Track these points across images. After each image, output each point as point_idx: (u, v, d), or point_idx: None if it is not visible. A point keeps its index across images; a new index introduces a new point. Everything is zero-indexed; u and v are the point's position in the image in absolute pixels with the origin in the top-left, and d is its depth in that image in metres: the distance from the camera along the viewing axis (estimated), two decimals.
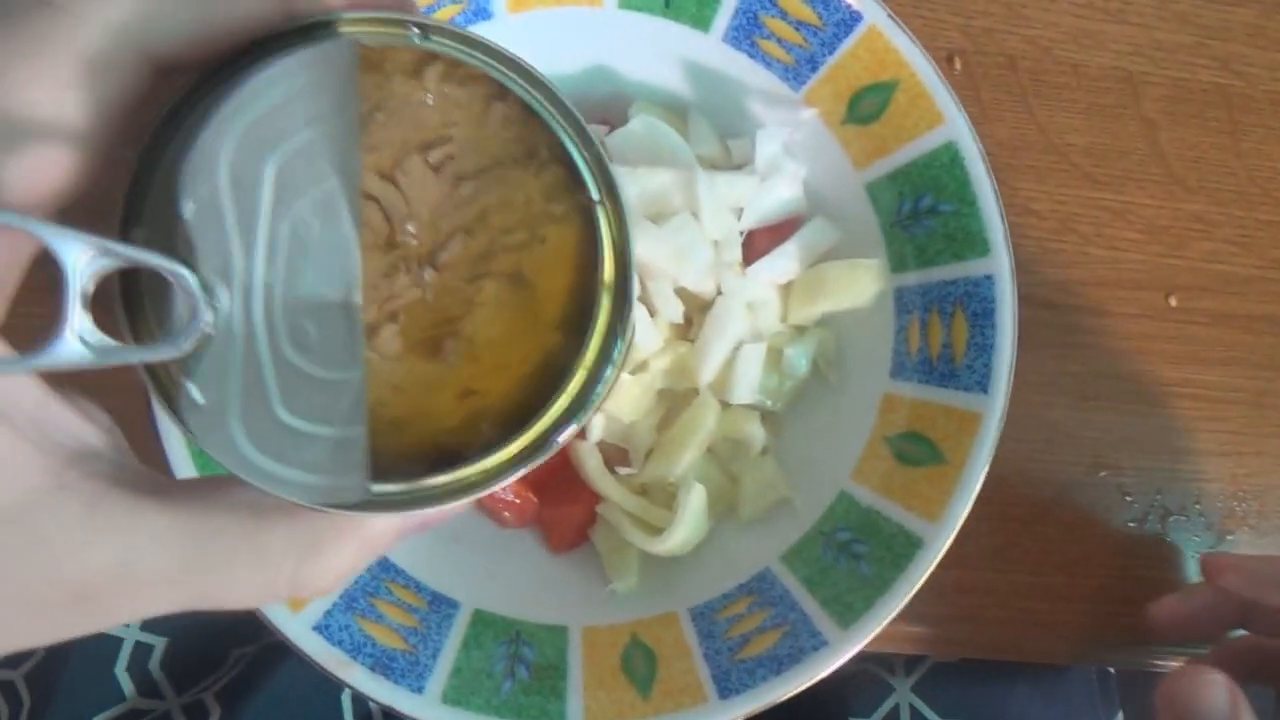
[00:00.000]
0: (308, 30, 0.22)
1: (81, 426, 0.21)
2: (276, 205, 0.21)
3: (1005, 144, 0.52)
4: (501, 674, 0.39)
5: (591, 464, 0.44)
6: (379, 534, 0.24)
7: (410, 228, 0.24)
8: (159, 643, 0.54)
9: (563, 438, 0.24)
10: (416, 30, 0.23)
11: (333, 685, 0.38)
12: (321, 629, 0.38)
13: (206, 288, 0.20)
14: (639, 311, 0.42)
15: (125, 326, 0.21)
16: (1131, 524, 0.50)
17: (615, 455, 0.45)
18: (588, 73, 0.46)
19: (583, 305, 0.24)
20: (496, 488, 0.24)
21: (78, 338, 0.18)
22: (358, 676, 0.38)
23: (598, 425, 0.44)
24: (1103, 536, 0.50)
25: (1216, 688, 0.37)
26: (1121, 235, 0.53)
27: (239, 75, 0.21)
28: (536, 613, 0.42)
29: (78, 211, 0.20)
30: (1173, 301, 0.52)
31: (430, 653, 0.39)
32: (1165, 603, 0.46)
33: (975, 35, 0.53)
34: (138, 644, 0.53)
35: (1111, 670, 0.53)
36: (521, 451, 0.24)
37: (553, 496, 0.44)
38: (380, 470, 0.23)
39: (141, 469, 0.22)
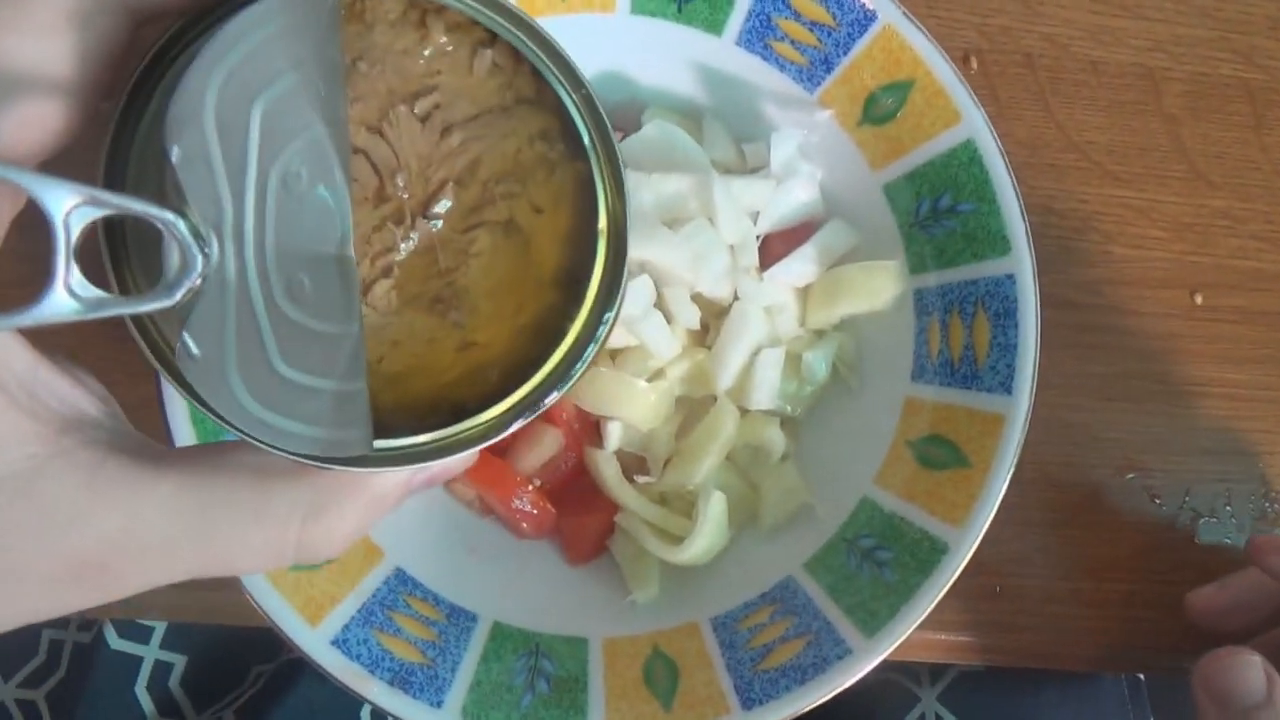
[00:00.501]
0: None
1: (75, 393, 0.20)
2: (264, 152, 0.20)
3: (1024, 143, 0.52)
4: (521, 687, 0.39)
5: (609, 473, 0.43)
6: (385, 493, 0.24)
7: (400, 180, 0.24)
8: (179, 661, 0.54)
9: (562, 390, 0.24)
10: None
11: (352, 700, 0.38)
12: (339, 643, 0.38)
13: (197, 235, 0.19)
14: (656, 318, 0.42)
15: (111, 278, 0.21)
16: (1161, 526, 0.49)
17: (633, 464, 0.44)
18: (600, 79, 0.46)
19: (579, 253, 0.24)
20: (497, 439, 0.24)
21: (67, 290, 0.18)
22: (376, 691, 0.37)
23: (615, 434, 0.43)
24: (1131, 540, 0.49)
25: (1253, 669, 0.37)
26: (1145, 233, 0.52)
27: (217, 21, 0.21)
28: (556, 624, 0.41)
29: (58, 164, 0.20)
30: (1199, 299, 0.52)
31: (449, 666, 0.39)
32: (1203, 592, 0.46)
33: (991, 34, 0.53)
34: (158, 662, 0.53)
35: (1142, 676, 0.52)
36: (520, 402, 0.24)
37: (571, 506, 0.44)
38: (384, 426, 0.22)
39: (140, 436, 0.21)
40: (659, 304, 0.43)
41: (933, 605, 0.38)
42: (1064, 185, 0.52)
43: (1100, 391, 0.50)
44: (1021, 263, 0.40)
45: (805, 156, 0.45)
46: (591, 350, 0.24)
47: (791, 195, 0.44)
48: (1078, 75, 0.53)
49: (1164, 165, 0.53)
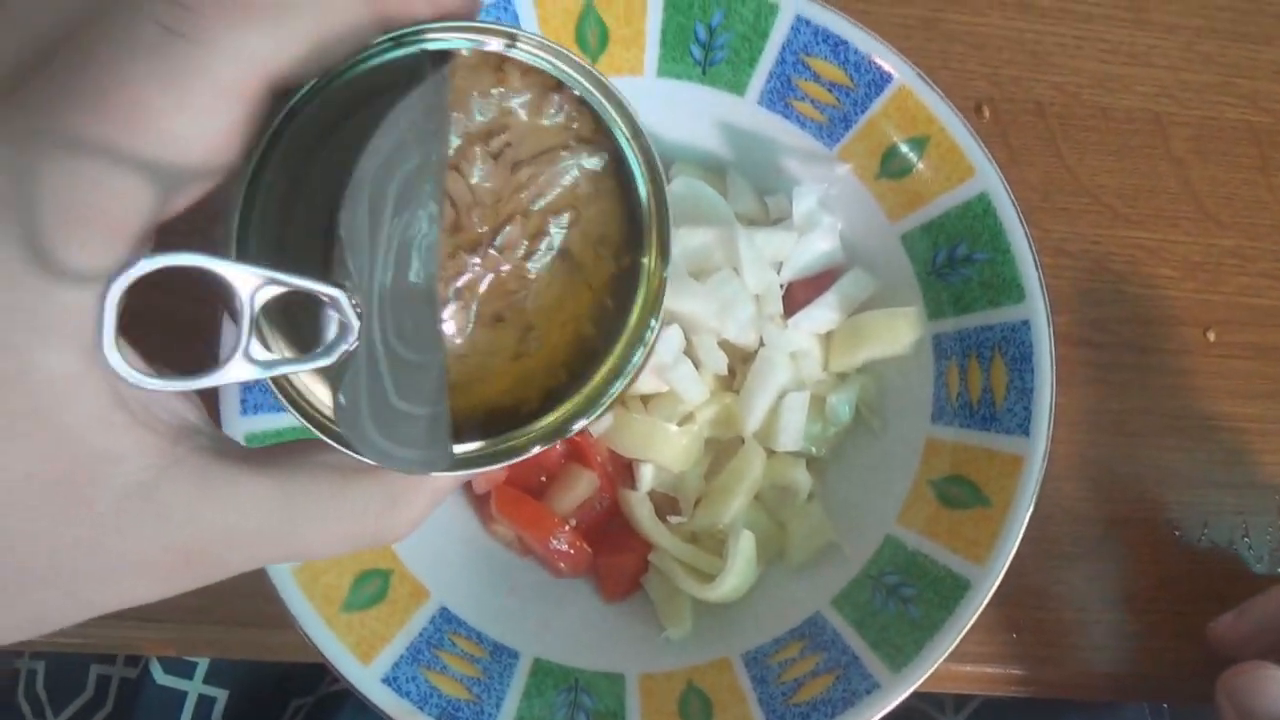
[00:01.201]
0: (398, 41, 0.23)
1: (182, 405, 0.22)
2: (394, 215, 0.22)
3: (1036, 188, 0.54)
4: None
5: (643, 513, 0.45)
6: (444, 486, 0.27)
7: (475, 215, 0.26)
8: (221, 695, 0.55)
9: (611, 394, 0.27)
10: (504, 40, 0.24)
11: None
12: (390, 681, 0.39)
13: (355, 305, 0.21)
14: (685, 364, 0.44)
15: (272, 341, 0.23)
16: (1179, 559, 0.50)
17: (666, 504, 0.46)
18: None
19: (626, 278, 0.27)
20: (556, 443, 0.26)
21: (245, 356, 0.20)
22: None
23: (648, 475, 0.45)
24: (1151, 572, 0.50)
25: (1277, 683, 0.38)
26: (1156, 272, 0.54)
27: (339, 91, 0.23)
28: (594, 661, 0.43)
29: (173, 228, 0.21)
30: (1211, 336, 0.53)
31: (494, 702, 0.40)
32: (1223, 620, 0.46)
33: (1002, 84, 0.55)
34: (201, 696, 0.55)
35: (1165, 706, 0.52)
36: (577, 407, 0.27)
37: (606, 546, 0.45)
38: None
39: (230, 439, 0.24)
40: (688, 351, 0.45)
41: (957, 641, 0.40)
42: (1076, 228, 0.53)
43: (1117, 427, 0.51)
44: (1036, 309, 0.42)
45: (826, 209, 0.47)
46: (635, 363, 0.27)
47: (813, 246, 0.46)
48: (1087, 121, 0.55)
49: (1173, 207, 0.54)
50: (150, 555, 0.21)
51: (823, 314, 0.45)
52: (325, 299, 0.21)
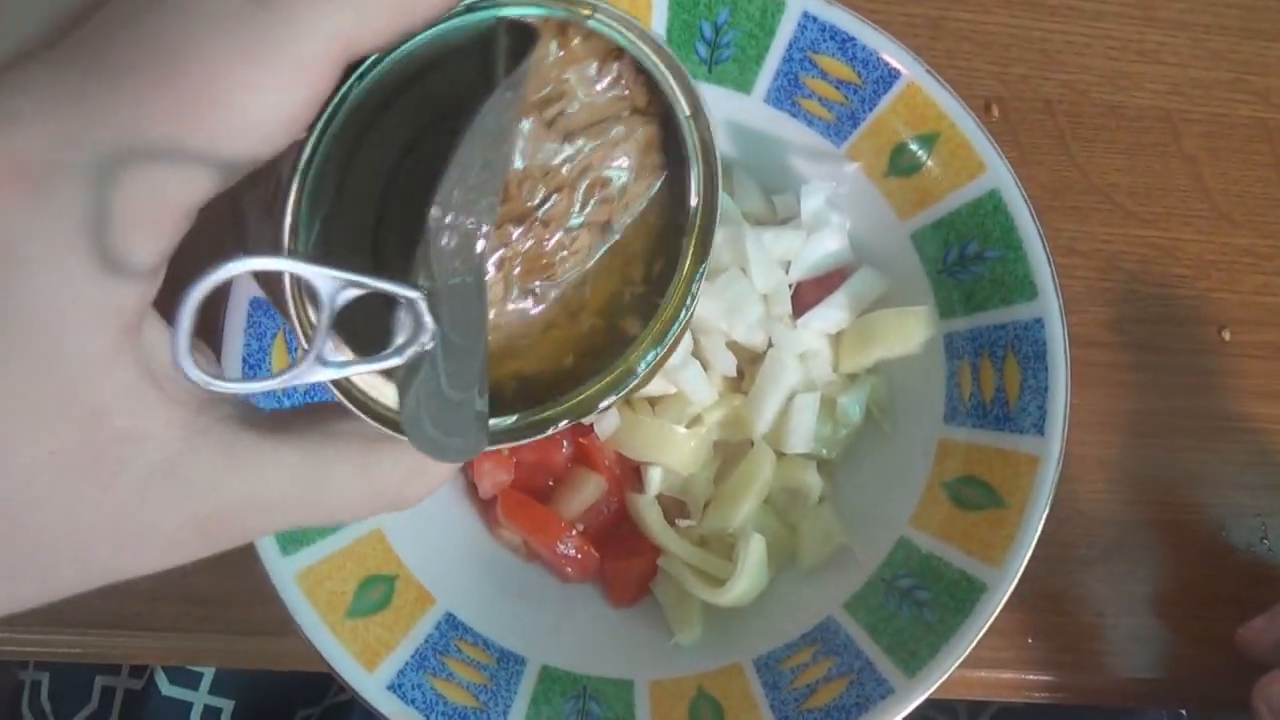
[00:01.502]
0: (470, 7, 0.22)
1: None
2: (462, 210, 0.21)
3: (1046, 186, 0.53)
4: None
5: (651, 517, 0.44)
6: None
7: (526, 187, 0.25)
8: (227, 705, 0.55)
9: (646, 366, 0.26)
10: (585, 10, 0.23)
11: None
12: (395, 688, 0.39)
13: (431, 305, 0.21)
14: (693, 366, 0.44)
15: (331, 340, 0.22)
16: (1197, 562, 0.49)
17: (674, 508, 0.45)
18: None
19: (667, 256, 0.27)
20: (589, 417, 0.26)
21: (318, 358, 0.20)
22: None
23: (656, 479, 0.45)
24: (1168, 576, 0.49)
25: None
26: (1169, 272, 0.53)
27: (400, 60, 0.21)
28: (602, 667, 0.42)
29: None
30: (1226, 335, 0.52)
31: (501, 710, 0.40)
32: (1254, 625, 0.46)
33: (1011, 82, 0.54)
34: (207, 707, 0.54)
35: (1184, 712, 0.52)
36: (610, 383, 0.26)
37: (614, 550, 0.45)
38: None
39: (253, 407, 0.23)
40: (696, 352, 0.44)
41: (973, 644, 0.39)
42: (1087, 227, 0.53)
43: (1132, 429, 0.51)
44: (1049, 307, 0.42)
45: (834, 207, 0.46)
46: (672, 335, 0.27)
47: (821, 245, 0.46)
48: (1097, 120, 0.54)
49: (1186, 205, 0.54)
50: (171, 526, 0.21)
51: (832, 314, 0.45)
52: (402, 300, 0.20)
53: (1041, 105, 0.54)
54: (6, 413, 0.18)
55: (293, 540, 0.39)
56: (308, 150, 0.21)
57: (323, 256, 0.22)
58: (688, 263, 0.26)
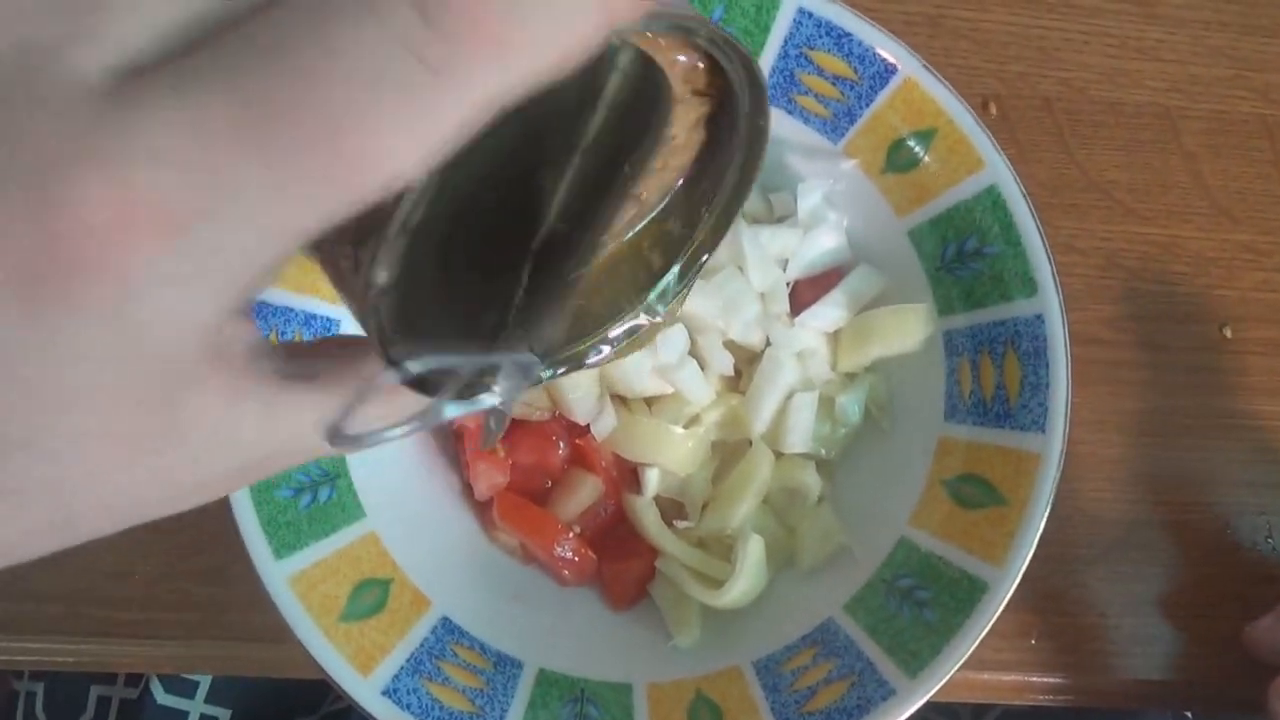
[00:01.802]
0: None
1: (247, 328, 0.21)
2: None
3: (1045, 184, 0.53)
4: None
5: (649, 519, 0.44)
6: None
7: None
8: (224, 715, 0.54)
9: (665, 307, 0.28)
10: (704, 38, 0.23)
11: None
12: (390, 693, 0.38)
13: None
14: (690, 365, 0.43)
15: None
16: (1200, 561, 0.49)
17: (672, 509, 0.45)
18: None
19: (683, 224, 0.28)
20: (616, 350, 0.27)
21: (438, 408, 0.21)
22: None
23: (653, 480, 0.44)
24: (1171, 576, 0.49)
25: None
26: (1169, 269, 0.53)
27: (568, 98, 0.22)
28: (600, 670, 0.42)
29: None
30: (1227, 332, 0.52)
31: (497, 714, 0.39)
32: (1260, 624, 0.46)
33: (1009, 80, 0.54)
34: (203, 716, 0.54)
35: (1189, 714, 0.51)
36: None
37: (611, 553, 0.44)
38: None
39: (281, 351, 0.23)
40: (693, 352, 0.44)
41: (975, 644, 0.38)
42: (1086, 224, 0.53)
43: (1133, 427, 0.50)
44: (1049, 303, 0.41)
45: (831, 205, 0.46)
46: (696, 268, 0.28)
47: (819, 242, 0.45)
48: (1096, 117, 0.54)
49: (1185, 202, 0.53)
50: (213, 478, 0.21)
51: (830, 312, 0.45)
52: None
53: (1040, 103, 0.54)
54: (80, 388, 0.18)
55: (286, 544, 0.39)
56: (417, 199, 0.20)
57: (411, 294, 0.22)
58: (722, 206, 0.27)
